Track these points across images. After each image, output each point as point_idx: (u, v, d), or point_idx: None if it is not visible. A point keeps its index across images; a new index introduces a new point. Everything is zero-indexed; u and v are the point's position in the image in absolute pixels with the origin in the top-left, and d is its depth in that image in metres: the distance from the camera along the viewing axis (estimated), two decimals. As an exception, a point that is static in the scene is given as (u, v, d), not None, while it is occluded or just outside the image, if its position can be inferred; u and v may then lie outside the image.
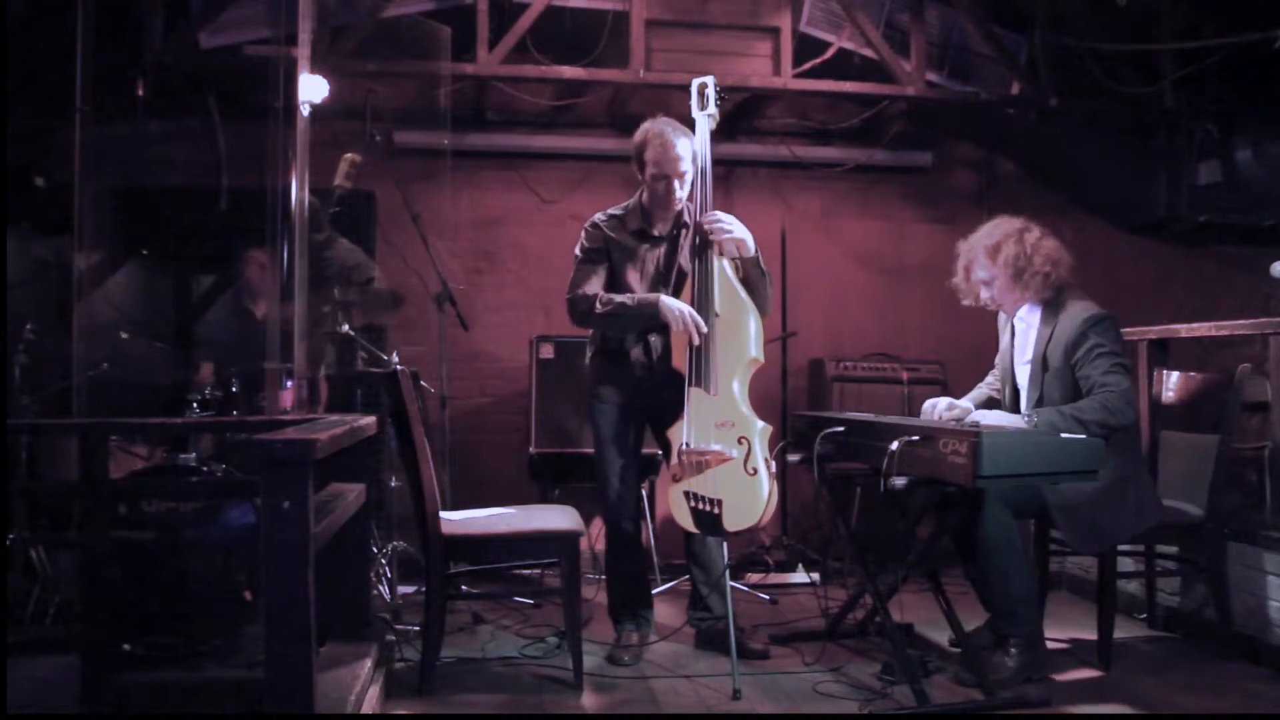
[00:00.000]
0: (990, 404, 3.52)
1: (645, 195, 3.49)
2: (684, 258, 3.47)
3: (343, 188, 3.92)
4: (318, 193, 3.78)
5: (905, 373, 4.98)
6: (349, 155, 3.95)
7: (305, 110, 3.53)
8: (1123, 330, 3.36)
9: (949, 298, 5.49)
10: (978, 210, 5.71)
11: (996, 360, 3.62)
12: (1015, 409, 3.38)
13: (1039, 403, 3.27)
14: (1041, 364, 3.28)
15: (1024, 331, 3.40)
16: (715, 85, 3.43)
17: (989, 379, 3.64)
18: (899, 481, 2.86)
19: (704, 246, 3.32)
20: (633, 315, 3.37)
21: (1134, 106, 5.04)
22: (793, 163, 5.46)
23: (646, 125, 3.45)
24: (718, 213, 3.33)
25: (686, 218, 3.49)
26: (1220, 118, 4.93)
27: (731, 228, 3.30)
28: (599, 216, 3.52)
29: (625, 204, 3.54)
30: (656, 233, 3.49)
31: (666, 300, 3.31)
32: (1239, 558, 3.45)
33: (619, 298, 3.38)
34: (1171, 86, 4.97)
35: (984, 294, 3.41)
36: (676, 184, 3.40)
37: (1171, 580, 3.75)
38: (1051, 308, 3.30)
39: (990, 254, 3.33)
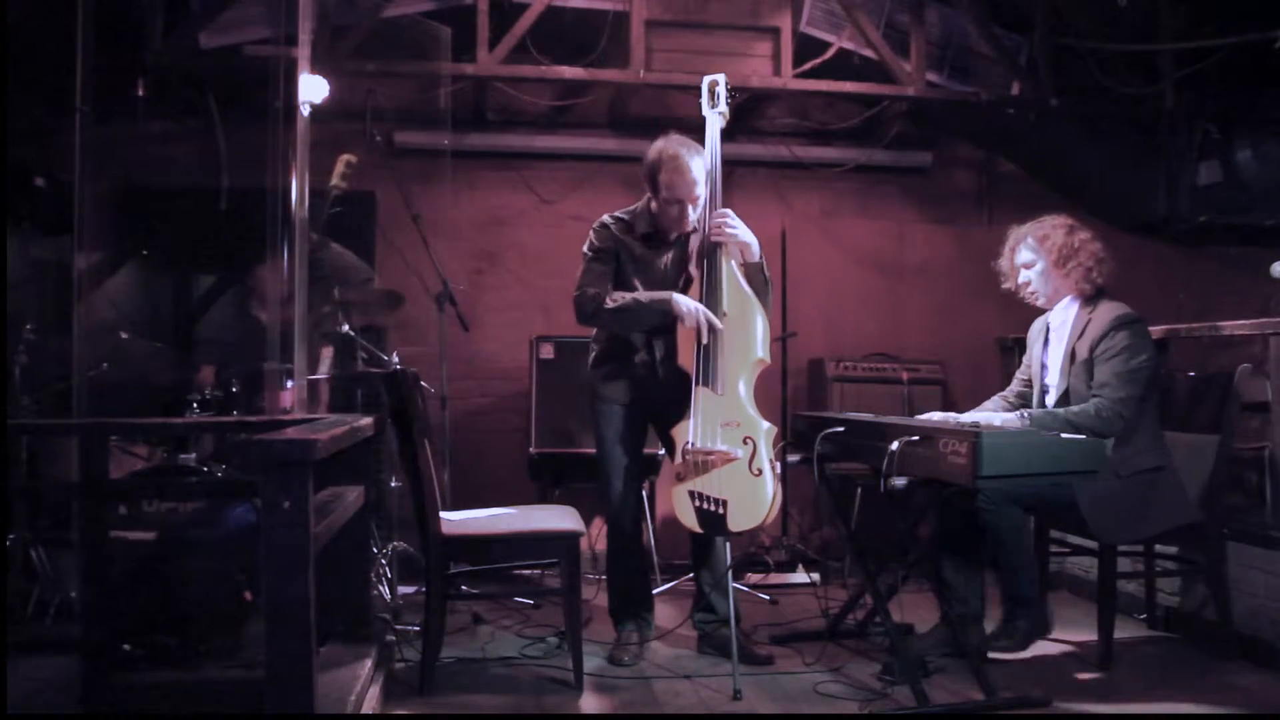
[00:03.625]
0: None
1: (654, 207, 3.46)
2: (692, 260, 3.47)
3: (339, 188, 3.92)
4: (315, 193, 3.78)
5: (905, 373, 4.98)
6: (345, 156, 3.95)
7: (305, 110, 3.52)
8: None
9: (949, 298, 5.55)
10: (978, 211, 5.73)
11: (1019, 372, 3.63)
12: (1042, 405, 3.43)
13: (1065, 393, 3.33)
14: (1071, 355, 3.34)
15: (1060, 326, 3.45)
16: (726, 84, 3.42)
17: (997, 397, 3.62)
18: (899, 482, 2.87)
19: (713, 245, 3.32)
20: (644, 312, 3.35)
21: (1134, 106, 5.05)
22: (793, 163, 5.46)
23: (660, 145, 3.37)
24: (728, 211, 3.33)
25: (694, 223, 3.48)
26: (1220, 118, 4.93)
27: (737, 229, 3.30)
28: (608, 217, 3.49)
29: (632, 208, 3.51)
30: (667, 237, 3.49)
31: (679, 297, 3.30)
32: (1239, 558, 3.45)
33: (629, 295, 3.37)
34: (1172, 86, 4.97)
35: (1023, 277, 3.48)
36: (690, 209, 3.36)
37: (1171, 580, 3.74)
38: (1089, 304, 3.38)
39: (1038, 239, 3.43)
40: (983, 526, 3.29)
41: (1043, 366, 3.49)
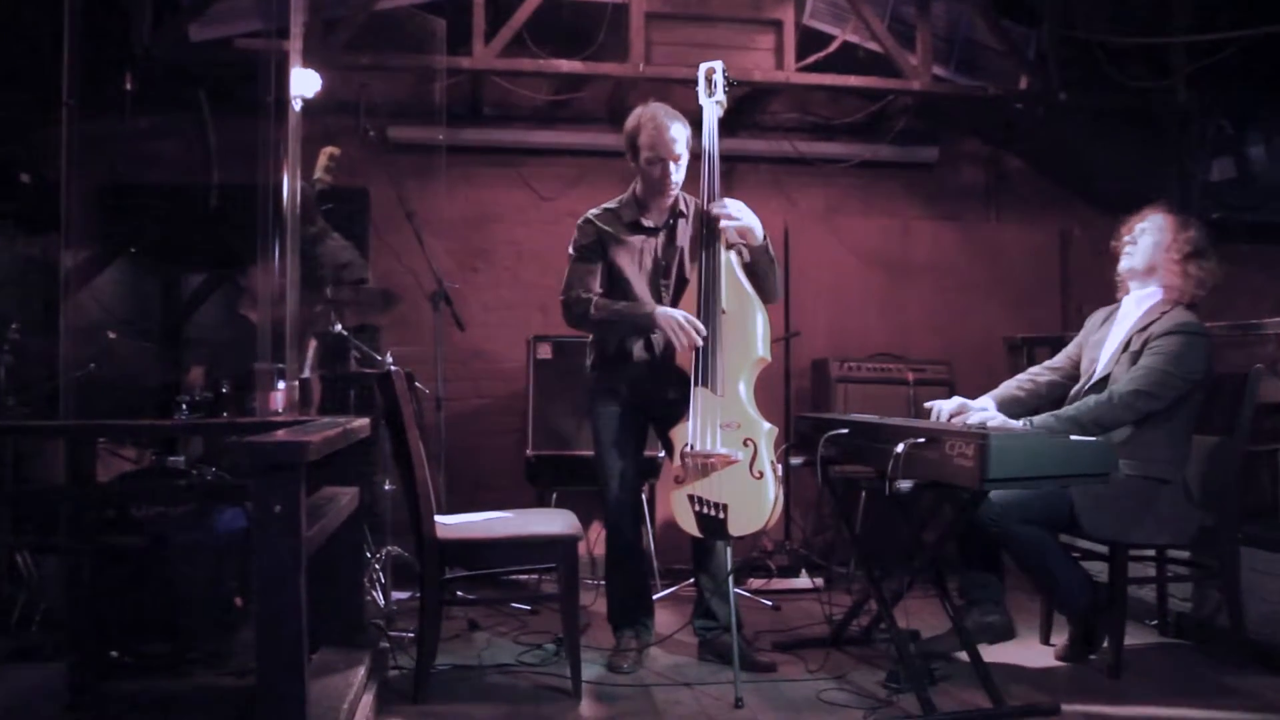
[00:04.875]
0: (1013, 401, 3.49)
1: (639, 186, 3.48)
2: (684, 249, 3.47)
3: (323, 182, 3.92)
4: (308, 183, 3.78)
5: (911, 373, 4.98)
6: (328, 148, 3.95)
7: (297, 105, 3.52)
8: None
9: (956, 296, 5.55)
10: (985, 207, 5.74)
11: (1069, 348, 3.60)
12: (1083, 390, 3.41)
13: (1106, 381, 3.32)
14: (1125, 345, 3.33)
15: (1125, 316, 3.44)
16: (724, 71, 3.42)
17: (1022, 376, 3.61)
18: (904, 484, 2.86)
19: (711, 239, 3.31)
20: (626, 325, 3.38)
21: (1145, 101, 5.04)
22: (796, 158, 5.46)
23: (638, 110, 3.45)
24: (725, 200, 3.32)
25: (683, 206, 3.50)
26: (1234, 113, 4.93)
27: (739, 215, 3.28)
28: (591, 212, 3.52)
29: (619, 198, 3.54)
30: (651, 224, 3.49)
31: (661, 310, 3.30)
32: (1252, 563, 3.44)
33: (615, 305, 3.38)
34: (1184, 81, 4.96)
35: (1131, 235, 3.44)
36: (672, 167, 3.38)
37: (1183, 586, 3.74)
38: (1164, 305, 3.36)
39: (1178, 225, 3.39)
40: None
41: (1099, 351, 3.46)
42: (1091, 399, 3.20)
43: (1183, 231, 3.38)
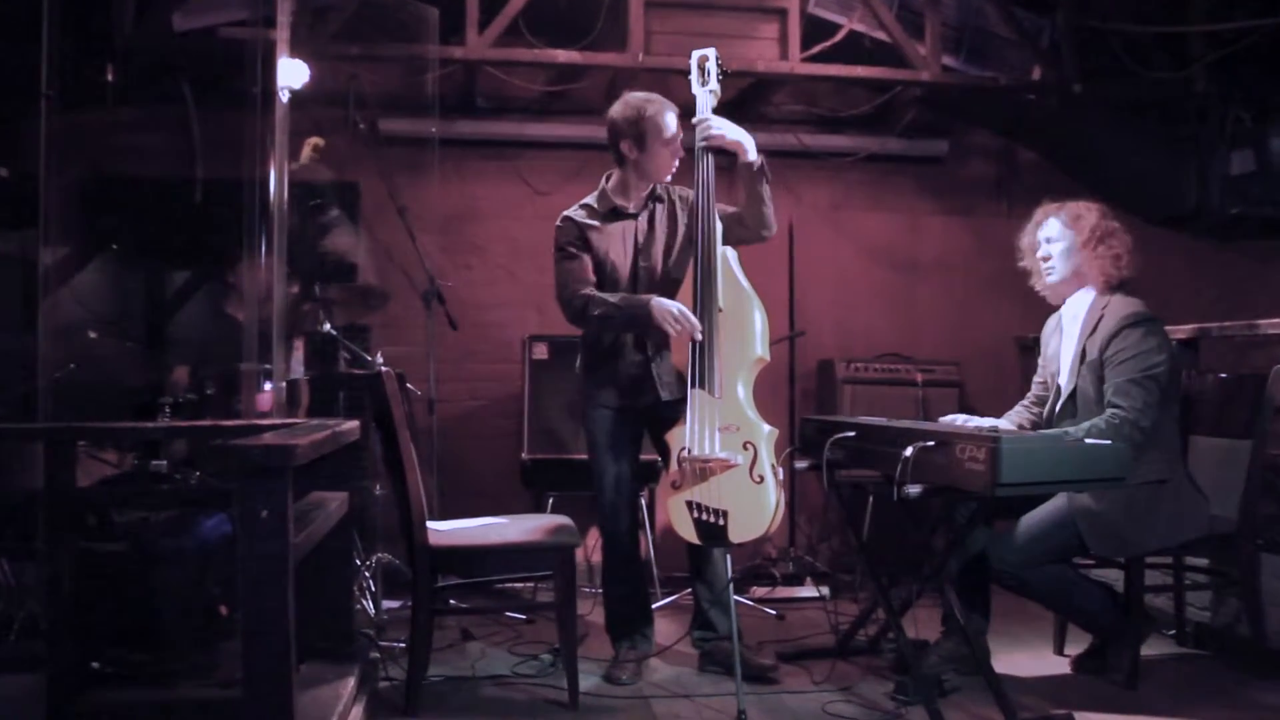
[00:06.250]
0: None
1: (616, 177, 3.55)
2: (662, 233, 3.51)
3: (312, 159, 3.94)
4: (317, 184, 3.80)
5: (920, 374, 4.98)
6: (312, 140, 3.96)
7: (285, 96, 3.52)
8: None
9: (966, 294, 5.55)
10: (996, 202, 5.73)
11: (1036, 375, 3.61)
12: (1054, 409, 3.41)
13: (1073, 395, 3.31)
14: (1081, 355, 3.32)
15: (1072, 320, 3.43)
16: (717, 59, 3.43)
17: (1020, 406, 3.61)
18: (913, 490, 2.86)
19: (707, 237, 3.31)
20: (623, 318, 3.37)
21: (1163, 92, 5.04)
22: (801, 152, 5.45)
23: (628, 97, 3.51)
24: (706, 119, 3.33)
25: (660, 191, 3.55)
26: (1254, 104, 4.93)
27: (723, 129, 3.30)
28: (567, 212, 3.56)
29: (592, 195, 3.58)
30: (632, 209, 3.53)
31: (658, 301, 3.30)
32: (1273, 570, 3.44)
33: (611, 299, 3.38)
34: (1203, 71, 4.97)
35: (1043, 251, 3.44)
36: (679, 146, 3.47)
37: (1202, 594, 3.74)
38: (1104, 297, 3.35)
39: (1071, 216, 3.40)
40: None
41: (1057, 365, 3.47)
42: (1102, 423, 3.14)
43: (1074, 225, 3.38)
